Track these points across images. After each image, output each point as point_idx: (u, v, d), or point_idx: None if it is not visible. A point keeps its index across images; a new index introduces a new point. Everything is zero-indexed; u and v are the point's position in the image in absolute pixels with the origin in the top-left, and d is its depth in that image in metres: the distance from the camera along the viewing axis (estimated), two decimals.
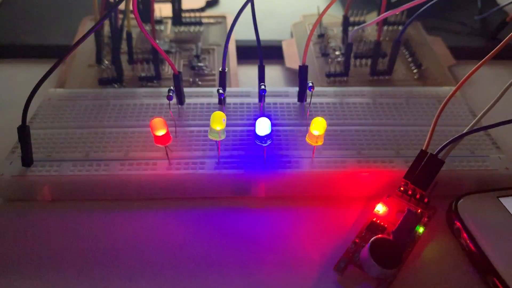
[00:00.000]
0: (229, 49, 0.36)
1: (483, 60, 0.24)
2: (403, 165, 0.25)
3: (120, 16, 0.34)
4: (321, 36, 0.38)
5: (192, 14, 0.40)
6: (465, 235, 0.22)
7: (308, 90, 0.26)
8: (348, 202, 0.25)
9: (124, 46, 0.35)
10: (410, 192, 0.24)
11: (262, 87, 0.27)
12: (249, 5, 0.26)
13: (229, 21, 0.40)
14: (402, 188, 0.24)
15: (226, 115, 0.28)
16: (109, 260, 0.22)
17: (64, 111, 0.29)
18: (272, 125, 0.25)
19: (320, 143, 0.24)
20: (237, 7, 0.26)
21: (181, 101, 0.29)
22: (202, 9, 0.44)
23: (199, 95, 0.30)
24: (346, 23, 0.38)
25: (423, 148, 0.24)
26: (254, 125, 0.24)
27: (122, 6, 0.32)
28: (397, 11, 0.30)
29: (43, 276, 0.21)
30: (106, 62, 0.35)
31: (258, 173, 0.24)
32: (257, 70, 0.28)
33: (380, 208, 0.23)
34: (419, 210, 0.23)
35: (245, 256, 0.22)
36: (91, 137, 0.27)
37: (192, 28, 0.39)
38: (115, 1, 0.24)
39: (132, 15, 0.30)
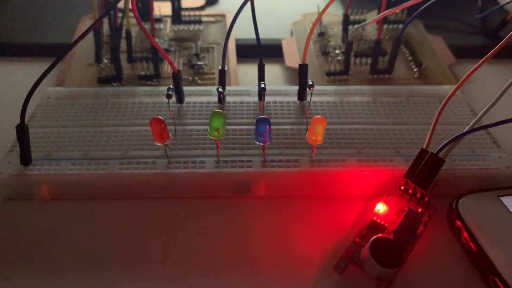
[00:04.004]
0: (228, 47, 0.35)
1: (483, 58, 0.24)
2: (403, 164, 0.25)
3: (120, 14, 0.34)
4: (321, 34, 0.38)
5: (191, 13, 0.40)
6: (465, 234, 0.22)
7: (308, 89, 0.26)
8: (348, 201, 0.25)
9: (123, 45, 0.34)
10: (410, 191, 0.24)
11: (262, 85, 0.27)
12: (248, 3, 0.26)
13: (229, 20, 0.40)
14: (402, 187, 0.24)
15: (226, 114, 0.28)
16: (108, 259, 0.22)
17: (63, 110, 0.28)
18: (272, 124, 0.25)
19: (320, 142, 0.24)
20: (236, 5, 0.26)
21: (180, 99, 0.29)
22: (201, 8, 0.43)
23: (199, 94, 0.30)
24: (346, 22, 0.38)
25: (424, 147, 0.24)
26: (254, 124, 0.24)
27: (121, 5, 0.32)
28: (397, 9, 0.30)
29: (42, 275, 0.21)
30: (105, 60, 0.35)
31: (258, 172, 0.24)
32: (257, 69, 0.28)
33: (381, 207, 0.23)
34: (419, 209, 0.23)
35: (244, 256, 0.22)
36: (90, 136, 0.26)
37: (191, 27, 0.39)
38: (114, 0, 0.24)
39: (131, 14, 0.29)
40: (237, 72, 0.35)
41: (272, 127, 0.25)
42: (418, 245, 0.22)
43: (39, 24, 0.40)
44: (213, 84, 0.33)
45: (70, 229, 0.23)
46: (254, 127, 0.26)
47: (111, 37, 0.34)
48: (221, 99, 0.29)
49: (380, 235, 0.21)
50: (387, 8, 0.30)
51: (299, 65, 0.28)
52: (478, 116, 0.24)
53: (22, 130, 0.24)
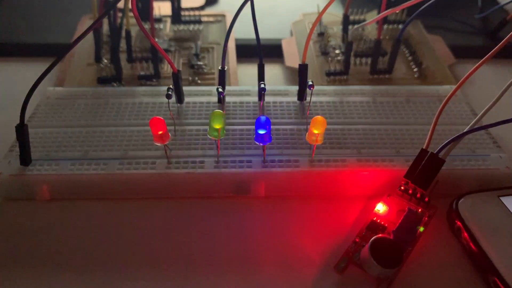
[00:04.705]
0: (228, 47, 0.35)
1: (483, 59, 0.24)
2: (403, 164, 0.25)
3: (119, 14, 0.34)
4: (321, 34, 0.38)
5: (191, 13, 0.40)
6: (465, 234, 0.22)
7: (308, 89, 0.26)
8: (348, 201, 0.25)
9: (123, 45, 0.34)
10: (410, 192, 0.24)
11: (262, 85, 0.27)
12: (248, 3, 0.26)
13: (229, 20, 0.40)
14: (402, 188, 0.24)
15: (226, 114, 0.28)
16: (108, 259, 0.22)
17: (62, 110, 0.28)
18: (272, 124, 0.25)
19: (320, 142, 0.24)
20: (236, 5, 0.25)
21: (180, 100, 0.29)
22: (201, 8, 0.43)
23: (199, 94, 0.30)
24: (346, 22, 0.37)
25: (424, 147, 0.24)
26: (253, 124, 0.24)
27: (121, 5, 0.32)
28: (397, 9, 0.30)
29: (42, 276, 0.21)
30: (105, 60, 0.35)
31: (258, 172, 0.24)
32: (257, 69, 0.28)
33: (381, 208, 0.23)
34: (419, 210, 0.23)
35: (244, 256, 0.22)
36: (89, 136, 0.26)
37: (191, 27, 0.39)
38: None
39: (131, 13, 0.29)
40: (237, 72, 0.35)
41: (272, 127, 0.25)
42: (418, 245, 0.22)
43: (39, 24, 0.40)
44: (213, 84, 0.33)
45: (70, 229, 0.23)
46: (254, 127, 0.26)
47: (111, 37, 0.34)
48: (221, 99, 0.29)
49: (380, 235, 0.21)
50: (387, 8, 0.30)
51: (299, 65, 0.28)
52: (478, 116, 0.24)
53: (21, 130, 0.24)
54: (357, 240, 0.22)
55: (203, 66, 0.35)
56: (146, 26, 0.38)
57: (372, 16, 0.40)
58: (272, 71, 0.36)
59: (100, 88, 0.32)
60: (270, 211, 0.25)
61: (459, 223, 0.22)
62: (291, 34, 0.40)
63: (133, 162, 0.25)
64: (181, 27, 0.39)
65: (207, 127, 0.25)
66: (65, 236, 0.23)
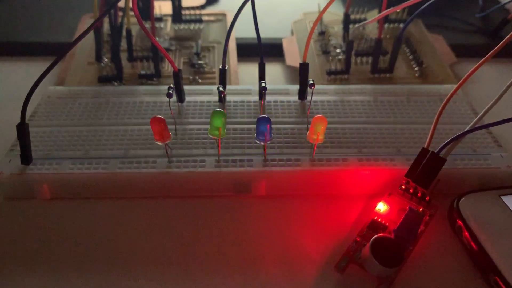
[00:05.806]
0: (229, 46, 0.35)
1: (484, 58, 0.24)
2: (404, 163, 0.25)
3: (120, 13, 0.34)
4: (321, 33, 0.38)
5: (192, 12, 0.40)
6: (466, 233, 0.22)
7: (308, 88, 0.26)
8: (349, 200, 0.25)
9: (123, 44, 0.34)
10: (411, 191, 0.23)
11: (263, 84, 0.27)
12: (249, 2, 0.26)
13: (229, 19, 0.40)
14: (403, 187, 0.24)
15: (226, 113, 0.28)
16: (109, 258, 0.22)
17: (63, 109, 0.28)
18: (273, 123, 0.25)
19: (320, 141, 0.24)
20: (237, 4, 0.26)
21: (181, 99, 0.29)
22: (202, 7, 0.43)
23: (199, 93, 0.30)
24: (347, 21, 0.37)
25: (425, 146, 0.24)
26: (254, 123, 0.24)
27: (121, 4, 0.32)
28: (398, 8, 0.30)
29: (42, 275, 0.21)
30: (106, 59, 0.35)
31: (259, 172, 0.24)
32: (258, 68, 0.28)
33: (381, 207, 0.23)
34: (420, 209, 0.23)
35: (245, 255, 0.22)
36: (90, 135, 0.26)
37: (192, 26, 0.39)
38: None
39: (132, 12, 0.29)
40: (237, 71, 0.35)
41: (272, 126, 0.25)
42: (419, 244, 0.22)
43: (39, 23, 0.40)
44: (214, 83, 0.33)
45: (71, 228, 0.23)
46: (254, 126, 0.26)
47: (111, 36, 0.34)
48: (221, 98, 0.29)
49: (381, 234, 0.21)
50: (387, 7, 0.30)
51: (300, 64, 0.28)
52: (479, 115, 0.24)
53: (22, 129, 0.24)
54: (358, 239, 0.22)
55: (204, 65, 0.35)
56: (147, 25, 0.38)
57: (373, 15, 0.40)
58: (273, 70, 0.36)
59: (100, 87, 0.32)
60: (270, 210, 0.24)
61: (460, 222, 0.22)
62: (292, 33, 0.40)
63: (134, 161, 0.25)
64: (182, 26, 0.39)
65: (207, 126, 0.25)
66: (65, 235, 0.23)
